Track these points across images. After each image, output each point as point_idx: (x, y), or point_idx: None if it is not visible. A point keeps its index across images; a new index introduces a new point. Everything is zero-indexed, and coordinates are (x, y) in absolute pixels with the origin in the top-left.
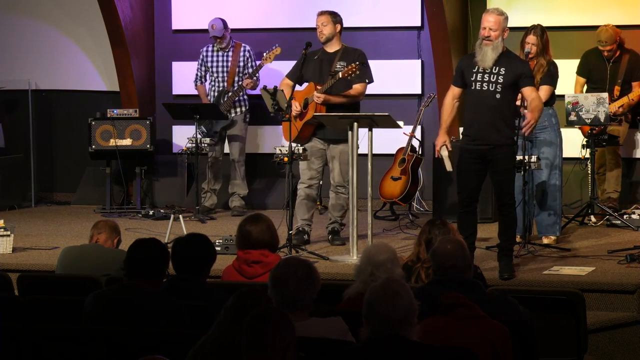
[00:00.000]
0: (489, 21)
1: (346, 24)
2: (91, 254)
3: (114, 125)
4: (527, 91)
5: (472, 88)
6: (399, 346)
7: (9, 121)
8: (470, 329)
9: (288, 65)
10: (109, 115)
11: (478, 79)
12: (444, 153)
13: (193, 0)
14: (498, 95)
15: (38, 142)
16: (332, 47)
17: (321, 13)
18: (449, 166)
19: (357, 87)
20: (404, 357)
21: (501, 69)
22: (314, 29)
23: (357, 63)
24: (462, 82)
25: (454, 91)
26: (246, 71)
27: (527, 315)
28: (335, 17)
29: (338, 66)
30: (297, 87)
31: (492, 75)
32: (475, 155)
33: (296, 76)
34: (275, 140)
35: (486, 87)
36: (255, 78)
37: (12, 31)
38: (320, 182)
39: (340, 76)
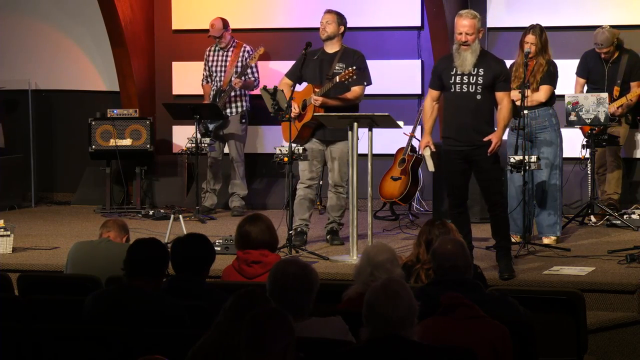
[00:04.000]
0: (464, 25)
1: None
2: (101, 249)
3: (114, 125)
4: (499, 97)
5: (452, 90)
6: (399, 346)
7: (9, 121)
8: (470, 329)
9: (287, 65)
10: (109, 115)
11: (457, 81)
12: (427, 153)
13: (193, 0)
14: (479, 97)
15: (38, 142)
16: (332, 48)
17: (328, 11)
18: (431, 166)
19: (355, 90)
20: (404, 357)
21: (480, 70)
22: (314, 29)
23: (354, 68)
24: (439, 85)
25: (432, 94)
26: (245, 71)
27: (527, 315)
28: (341, 18)
29: (337, 67)
30: (297, 87)
31: (471, 77)
32: (459, 156)
33: (296, 76)
34: (274, 141)
35: (466, 89)
36: (246, 78)
37: (12, 31)
38: (320, 183)
39: (337, 80)
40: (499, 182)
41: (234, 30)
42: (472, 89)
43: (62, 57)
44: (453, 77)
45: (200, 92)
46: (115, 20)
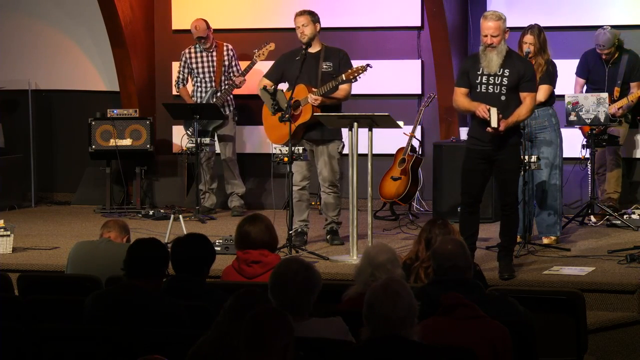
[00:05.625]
0: (489, 27)
1: (346, 24)
2: (102, 249)
3: (114, 125)
4: (522, 96)
5: (477, 90)
6: (399, 346)
7: (9, 121)
8: (470, 329)
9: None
10: (109, 115)
11: (483, 81)
12: (491, 111)
13: (193, 0)
14: (503, 97)
15: (38, 142)
16: (314, 47)
17: (300, 13)
18: (494, 121)
19: (345, 88)
20: (404, 357)
21: (505, 71)
22: None
23: (365, 65)
24: (468, 83)
25: (462, 91)
26: (230, 70)
27: (527, 315)
28: (313, 16)
29: (324, 67)
30: (281, 87)
31: (496, 78)
32: (481, 156)
33: (275, 77)
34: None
35: (491, 90)
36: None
37: (12, 31)
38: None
39: (344, 78)
40: (515, 184)
41: (232, 30)
42: (496, 89)
43: (62, 57)
44: (479, 77)
45: None
46: (115, 20)
